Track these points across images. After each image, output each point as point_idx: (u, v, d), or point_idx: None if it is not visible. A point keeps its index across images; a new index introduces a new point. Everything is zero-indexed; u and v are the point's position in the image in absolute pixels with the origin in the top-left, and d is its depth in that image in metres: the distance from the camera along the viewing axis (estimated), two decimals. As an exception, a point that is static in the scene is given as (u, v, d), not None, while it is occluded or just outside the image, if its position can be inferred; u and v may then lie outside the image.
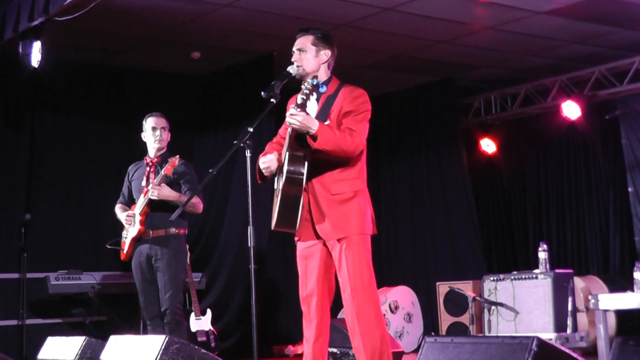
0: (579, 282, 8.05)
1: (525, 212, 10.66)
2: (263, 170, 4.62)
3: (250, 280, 4.44)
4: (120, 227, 6.62)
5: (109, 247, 7.20)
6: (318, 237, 4.53)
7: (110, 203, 7.27)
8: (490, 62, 9.64)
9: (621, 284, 8.21)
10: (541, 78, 10.11)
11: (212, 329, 7.92)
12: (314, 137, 4.31)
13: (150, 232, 6.37)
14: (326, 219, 4.48)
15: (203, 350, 4.23)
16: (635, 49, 9.14)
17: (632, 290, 7.25)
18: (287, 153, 4.42)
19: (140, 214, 6.35)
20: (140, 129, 6.60)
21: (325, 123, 4.48)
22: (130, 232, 6.45)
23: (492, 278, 8.12)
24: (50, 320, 8.55)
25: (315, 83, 4.37)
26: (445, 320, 9.06)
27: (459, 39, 8.71)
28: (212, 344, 7.80)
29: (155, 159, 6.51)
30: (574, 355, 3.30)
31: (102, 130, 9.25)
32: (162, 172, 6.19)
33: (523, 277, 7.90)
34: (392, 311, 8.96)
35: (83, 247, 8.90)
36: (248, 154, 4.50)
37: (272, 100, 4.47)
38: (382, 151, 10.80)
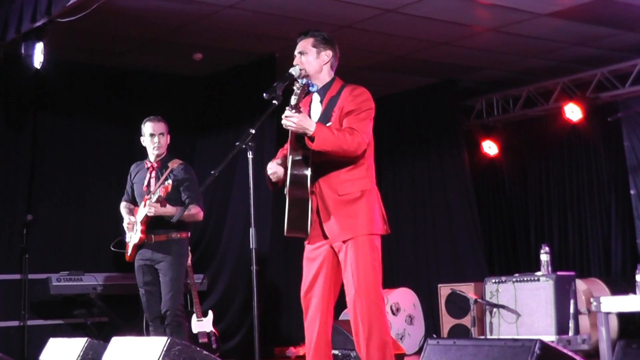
0: (580, 285, 8.04)
1: (527, 214, 10.66)
2: (270, 177, 4.62)
3: (252, 282, 4.43)
4: (122, 227, 6.64)
5: (112, 249, 7.22)
6: (326, 238, 4.53)
7: (112, 204, 7.29)
8: (492, 64, 9.64)
9: (623, 286, 8.20)
10: (543, 80, 10.11)
11: (213, 330, 7.92)
12: (312, 138, 4.30)
13: (153, 237, 6.39)
14: (334, 220, 4.46)
15: (205, 352, 4.22)
16: (638, 51, 9.13)
17: (634, 292, 7.24)
18: (290, 157, 4.42)
19: (141, 223, 6.37)
20: (140, 132, 6.61)
21: (328, 124, 4.48)
22: (132, 238, 6.48)
23: (493, 280, 8.11)
24: (52, 321, 8.55)
25: (304, 82, 4.38)
26: (447, 322, 9.04)
27: (461, 40, 8.71)
28: (214, 346, 7.80)
29: (156, 164, 6.53)
30: (577, 358, 3.29)
31: (104, 131, 9.25)
32: (158, 192, 6.19)
33: (525, 279, 7.89)
34: (393, 313, 8.95)
35: (85, 248, 8.90)
36: (250, 155, 4.50)
37: (273, 101, 4.46)
38: (384, 153, 10.79)
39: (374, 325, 4.43)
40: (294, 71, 4.60)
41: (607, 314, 7.01)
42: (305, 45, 4.64)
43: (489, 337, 7.83)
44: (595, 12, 7.94)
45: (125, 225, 6.52)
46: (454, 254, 10.17)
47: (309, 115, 4.56)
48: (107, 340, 4.78)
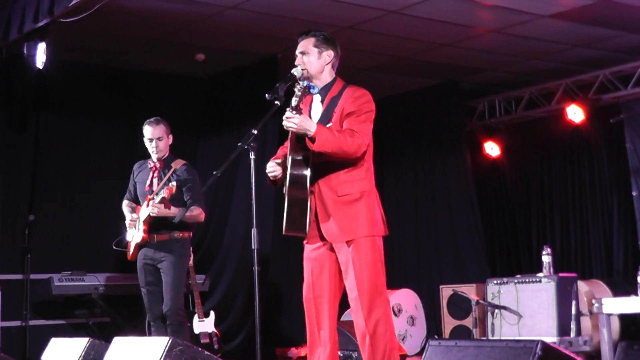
0: (582, 286, 8.03)
1: (529, 215, 10.65)
2: (269, 175, 4.62)
3: (254, 283, 4.44)
4: (124, 227, 6.65)
5: (115, 247, 7.23)
6: (325, 238, 4.52)
7: (114, 204, 7.29)
8: (495, 66, 9.63)
9: (625, 288, 8.20)
10: (545, 81, 10.11)
11: (215, 331, 7.92)
12: (313, 139, 4.30)
13: (155, 236, 6.41)
14: (333, 221, 4.46)
15: (206, 352, 4.23)
16: (640, 53, 9.14)
17: (636, 294, 7.25)
18: (290, 156, 4.42)
19: (143, 222, 6.38)
20: (142, 132, 6.63)
21: (329, 125, 4.48)
22: (135, 237, 6.49)
23: (495, 281, 8.11)
24: (54, 321, 8.55)
25: (306, 85, 4.37)
26: (449, 323, 9.04)
27: (463, 42, 8.70)
28: (215, 346, 7.80)
29: (159, 164, 6.54)
30: (578, 359, 3.29)
31: (106, 132, 9.26)
32: (162, 193, 6.20)
33: (526, 280, 7.89)
34: (395, 314, 8.94)
35: (87, 249, 8.91)
36: (252, 156, 4.50)
37: (276, 102, 4.46)
38: (386, 154, 10.79)
39: (380, 327, 4.42)
40: (295, 72, 4.60)
41: (609, 315, 7.02)
42: (306, 45, 4.64)
43: (490, 338, 7.83)
44: (598, 14, 7.93)
45: (127, 222, 6.54)
46: (455, 255, 10.17)
47: (310, 115, 4.56)
48: (108, 341, 4.79)
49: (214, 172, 4.64)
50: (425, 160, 10.64)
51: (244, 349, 8.58)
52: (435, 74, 9.92)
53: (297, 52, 4.66)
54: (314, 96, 4.53)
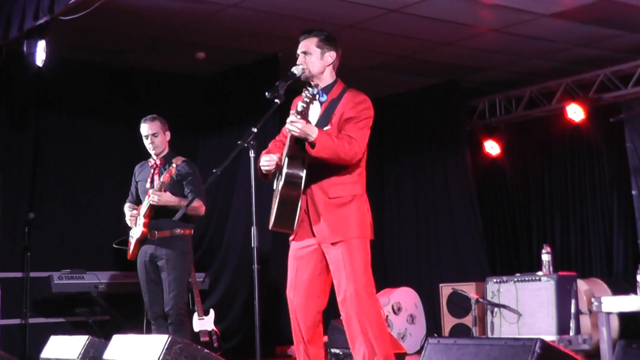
0: (582, 285, 8.04)
1: (529, 214, 10.66)
2: (263, 169, 4.62)
3: (254, 281, 4.44)
4: (125, 226, 6.65)
5: (115, 246, 7.23)
6: (314, 236, 4.52)
7: (114, 202, 7.30)
8: (495, 65, 9.64)
9: (624, 286, 8.20)
10: (546, 81, 10.11)
11: (215, 329, 7.92)
12: (312, 144, 4.30)
13: (156, 232, 6.39)
14: (323, 222, 4.47)
15: (206, 350, 4.22)
16: (640, 52, 9.14)
17: (636, 293, 7.24)
18: (287, 157, 4.43)
19: (144, 217, 6.37)
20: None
21: (326, 127, 4.49)
22: (134, 233, 6.48)
23: (495, 280, 8.11)
24: (54, 319, 8.56)
25: (315, 92, 4.35)
26: (448, 321, 9.05)
27: (464, 41, 8.70)
28: (215, 344, 7.80)
29: (159, 161, 6.54)
30: (577, 357, 3.29)
31: (106, 130, 9.26)
32: (161, 178, 6.21)
33: (526, 279, 7.89)
34: (395, 313, 8.95)
35: (87, 247, 8.91)
36: (252, 154, 4.51)
37: (276, 100, 4.47)
38: (387, 153, 10.80)
39: (372, 326, 4.42)
40: (296, 70, 4.60)
41: (608, 314, 7.01)
42: (308, 45, 4.63)
43: (490, 336, 7.83)
44: (599, 13, 7.93)
45: (127, 219, 6.53)
46: (455, 253, 10.17)
47: (307, 114, 4.56)
48: (108, 339, 4.79)
49: (214, 170, 4.65)
50: (426, 159, 10.64)
51: (244, 347, 8.58)
52: (435, 73, 9.92)
53: (298, 52, 4.65)
54: (304, 93, 4.49)
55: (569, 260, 10.07)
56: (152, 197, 6.23)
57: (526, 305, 7.80)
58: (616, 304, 6.97)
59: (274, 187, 4.61)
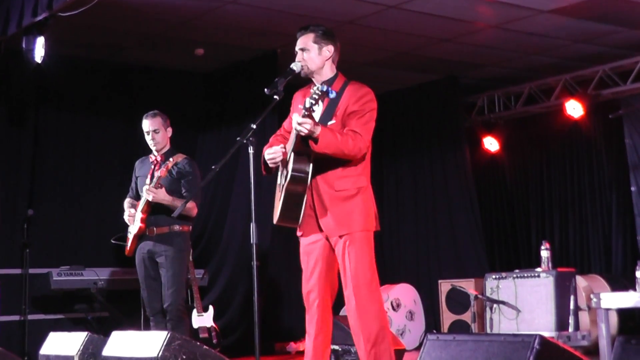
0: (581, 281, 8.04)
1: (528, 210, 10.66)
2: (268, 162, 4.62)
3: (253, 277, 4.44)
4: (124, 222, 6.66)
5: (113, 242, 7.23)
6: (321, 231, 4.54)
7: (113, 199, 7.29)
8: (494, 61, 9.63)
9: (623, 283, 8.21)
10: (545, 77, 10.11)
11: (214, 325, 7.93)
12: (316, 140, 4.31)
13: (154, 229, 6.40)
14: (330, 215, 4.48)
15: (205, 347, 4.23)
16: (639, 49, 9.12)
17: (634, 289, 7.25)
18: (292, 153, 4.43)
19: (141, 212, 6.38)
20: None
21: (331, 122, 4.49)
22: (132, 228, 6.49)
23: (494, 276, 8.12)
24: (53, 316, 8.56)
25: (325, 90, 4.33)
26: (447, 318, 9.06)
27: (463, 37, 8.70)
28: (214, 341, 7.80)
29: (160, 157, 6.54)
30: (576, 353, 3.30)
31: (105, 127, 9.25)
32: (158, 173, 6.22)
33: (525, 275, 7.90)
34: (394, 309, 8.95)
35: (86, 243, 8.91)
36: (251, 150, 4.51)
37: (275, 97, 4.47)
38: (385, 149, 10.79)
39: (373, 321, 4.44)
40: (295, 66, 4.60)
41: (607, 310, 7.01)
42: (306, 41, 4.64)
43: (489, 333, 7.84)
44: (598, 9, 7.93)
45: (125, 217, 6.54)
46: (454, 250, 10.17)
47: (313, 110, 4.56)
48: (107, 335, 4.79)
49: (213, 167, 4.64)
50: (425, 156, 10.64)
51: (243, 344, 8.58)
52: (434, 70, 9.92)
53: (296, 49, 4.65)
54: (313, 89, 4.48)
55: (568, 256, 10.08)
56: (147, 195, 6.25)
57: (525, 301, 7.81)
58: (615, 300, 6.97)
59: (279, 182, 4.61)
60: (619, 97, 9.64)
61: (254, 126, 4.45)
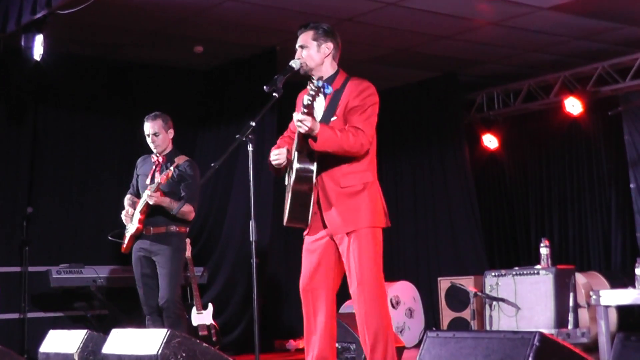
0: (580, 278, 8.04)
1: (527, 207, 10.66)
2: (272, 163, 4.62)
3: (252, 275, 4.44)
4: (122, 219, 6.66)
5: (110, 238, 7.23)
6: (326, 229, 4.53)
7: (112, 197, 7.29)
8: (493, 58, 9.63)
9: (623, 280, 8.21)
10: (544, 74, 10.11)
11: (213, 323, 7.93)
12: (315, 138, 4.31)
13: (152, 228, 6.42)
14: (336, 212, 4.47)
15: (204, 345, 4.23)
16: (638, 45, 9.13)
17: (634, 286, 7.25)
18: (296, 152, 4.42)
19: (140, 213, 6.40)
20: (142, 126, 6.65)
21: (333, 119, 4.49)
22: (129, 228, 6.50)
23: (493, 274, 8.12)
24: (52, 313, 8.56)
25: (320, 85, 4.33)
26: (447, 315, 9.06)
27: (462, 34, 8.70)
28: (214, 338, 7.81)
29: (161, 159, 6.55)
30: (576, 350, 3.30)
31: (104, 124, 9.25)
32: (158, 180, 6.22)
33: (524, 272, 7.90)
34: (393, 306, 8.95)
35: (85, 241, 8.91)
36: (250, 148, 4.51)
37: (274, 94, 4.46)
38: (384, 146, 10.70)
39: (378, 318, 4.44)
40: (294, 64, 4.60)
41: (607, 307, 7.02)
42: (305, 38, 4.64)
43: (488, 330, 7.84)
44: (596, 6, 7.93)
45: (122, 216, 6.55)
46: (454, 247, 10.17)
47: (313, 107, 4.55)
48: (107, 333, 4.79)
49: (212, 165, 4.64)
50: (424, 153, 10.64)
51: (243, 341, 8.59)
52: (433, 66, 9.91)
53: (297, 46, 4.66)
54: (309, 86, 4.47)
55: (567, 253, 10.08)
56: (148, 198, 6.27)
57: (525, 298, 7.81)
58: (614, 297, 6.97)
59: (286, 183, 4.61)
60: (618, 94, 9.64)
61: (253, 124, 4.45)
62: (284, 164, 4.60)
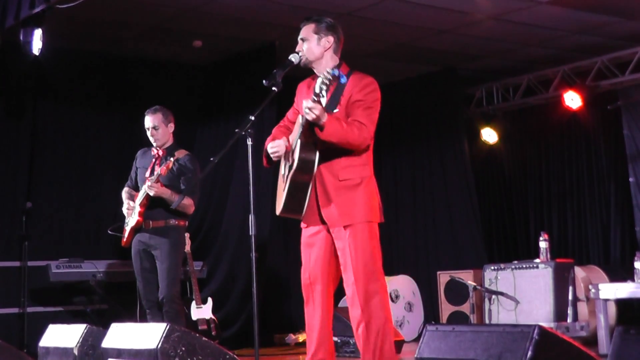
0: (579, 272, 8.05)
1: (527, 201, 10.67)
2: (271, 155, 4.61)
3: (252, 269, 4.45)
4: (123, 214, 6.66)
5: (110, 232, 7.24)
6: (324, 222, 4.53)
7: (111, 191, 7.28)
8: (492, 53, 9.62)
9: (622, 273, 8.22)
10: (543, 68, 10.10)
11: (213, 317, 7.93)
12: (321, 128, 4.30)
13: (151, 222, 6.42)
14: (333, 205, 4.48)
15: (204, 339, 4.23)
16: (638, 40, 9.12)
17: (633, 280, 7.27)
18: (299, 141, 4.41)
19: (140, 205, 6.40)
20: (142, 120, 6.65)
21: (335, 110, 4.49)
22: (130, 221, 6.50)
23: (492, 267, 8.12)
24: (52, 308, 8.57)
25: (337, 74, 4.29)
26: (446, 309, 9.06)
27: (461, 28, 8.69)
28: (213, 333, 7.81)
29: (161, 152, 6.55)
30: (575, 343, 3.30)
31: (104, 119, 9.25)
32: (159, 171, 6.22)
33: (524, 266, 7.90)
34: (392, 300, 8.96)
35: (84, 236, 8.91)
36: (249, 142, 4.51)
37: (273, 88, 4.47)
38: (384, 141, 10.77)
39: (375, 313, 4.43)
40: (293, 58, 4.60)
41: (606, 300, 7.04)
42: (307, 31, 4.65)
43: (487, 323, 7.85)
44: (596, 0, 7.92)
45: (124, 209, 6.55)
46: (453, 241, 10.18)
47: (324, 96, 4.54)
48: (106, 327, 4.79)
49: (211, 159, 4.65)
50: (423, 147, 10.63)
51: (242, 335, 8.60)
52: (433, 61, 9.91)
53: (298, 38, 4.66)
54: (318, 80, 4.41)
55: (567, 247, 10.09)
56: (148, 189, 6.26)
57: (524, 292, 7.82)
58: (613, 290, 7.00)
59: (282, 173, 4.60)
60: (617, 88, 9.64)
61: (253, 118, 4.45)
62: (282, 155, 4.60)
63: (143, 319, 6.67)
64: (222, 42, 8.96)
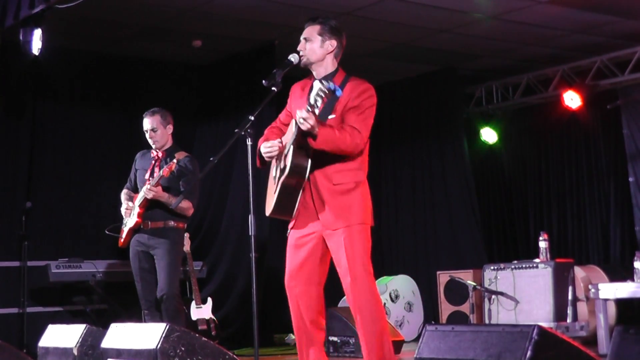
0: (579, 272, 8.05)
1: (526, 201, 10.67)
2: (264, 155, 4.60)
3: (251, 269, 4.44)
4: (121, 214, 6.66)
5: (107, 232, 7.23)
6: (314, 226, 4.52)
7: (111, 191, 7.27)
8: (492, 52, 9.62)
9: (621, 273, 8.22)
10: (543, 68, 10.10)
11: (212, 317, 7.93)
12: (314, 137, 4.30)
13: (149, 223, 6.41)
14: (328, 208, 4.47)
15: (204, 339, 4.23)
16: (637, 39, 9.12)
17: (633, 279, 7.27)
18: (292, 146, 4.41)
19: (139, 207, 6.39)
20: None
21: (331, 116, 4.48)
22: (128, 222, 6.50)
23: (492, 267, 8.12)
24: (51, 308, 8.57)
25: (333, 88, 4.27)
26: (446, 309, 9.06)
27: (461, 28, 8.69)
28: (213, 333, 7.81)
29: (161, 154, 6.54)
30: (574, 343, 3.30)
31: (103, 119, 9.25)
32: (161, 173, 6.22)
33: (523, 266, 7.90)
34: (392, 300, 8.96)
35: (84, 236, 8.91)
36: (249, 142, 4.50)
37: (273, 88, 4.46)
38: (384, 140, 10.78)
39: (371, 313, 4.44)
40: (293, 58, 4.59)
41: (606, 300, 7.04)
42: (311, 32, 4.64)
43: (487, 323, 7.84)
44: (595, 0, 7.92)
45: (122, 210, 6.55)
46: (453, 241, 10.17)
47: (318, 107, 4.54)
48: (106, 327, 4.79)
49: (211, 159, 4.64)
50: (423, 147, 10.63)
51: (242, 335, 8.59)
52: (432, 60, 9.91)
53: (301, 37, 4.65)
54: (314, 84, 4.41)
55: (566, 247, 10.09)
56: (147, 192, 6.26)
57: (523, 292, 7.81)
58: (613, 290, 6.99)
59: (273, 175, 4.60)
60: (616, 88, 9.64)
61: (252, 118, 4.45)
62: (275, 156, 4.59)
63: (142, 319, 6.66)
64: (221, 42, 8.96)
